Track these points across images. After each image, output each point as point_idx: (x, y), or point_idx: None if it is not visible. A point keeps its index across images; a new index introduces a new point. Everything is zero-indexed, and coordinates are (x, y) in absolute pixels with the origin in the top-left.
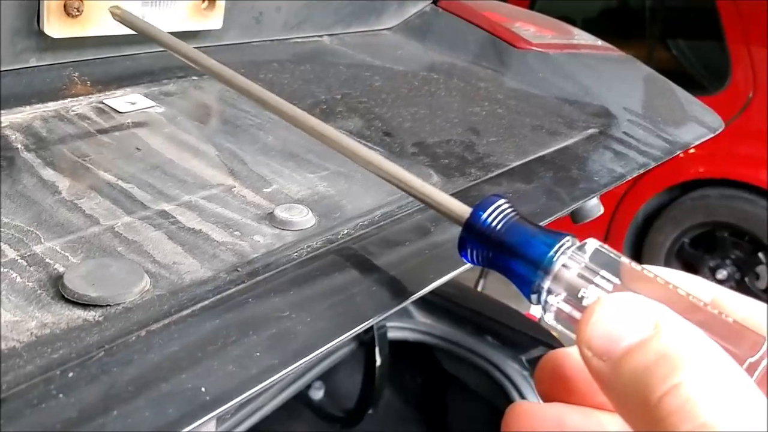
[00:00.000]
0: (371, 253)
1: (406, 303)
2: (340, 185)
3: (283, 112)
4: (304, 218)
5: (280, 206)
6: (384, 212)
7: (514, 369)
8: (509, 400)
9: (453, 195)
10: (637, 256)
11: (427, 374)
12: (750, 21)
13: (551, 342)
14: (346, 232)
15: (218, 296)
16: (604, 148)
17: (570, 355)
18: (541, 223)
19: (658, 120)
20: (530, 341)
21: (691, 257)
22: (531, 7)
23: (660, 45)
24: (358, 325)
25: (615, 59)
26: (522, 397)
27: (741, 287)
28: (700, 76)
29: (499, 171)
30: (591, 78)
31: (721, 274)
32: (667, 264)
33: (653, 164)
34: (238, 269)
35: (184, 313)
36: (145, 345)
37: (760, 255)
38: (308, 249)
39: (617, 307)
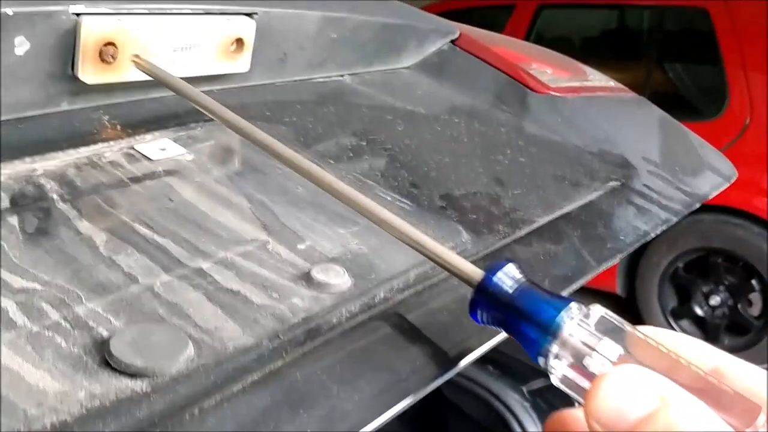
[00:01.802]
0: (410, 319)
1: (450, 376)
2: (372, 242)
3: (298, 167)
4: (340, 280)
5: (316, 267)
6: (418, 273)
7: (514, 399)
8: (510, 430)
9: (485, 256)
10: (632, 279)
11: (427, 401)
12: (748, 47)
13: None
14: (383, 296)
15: (266, 370)
16: (628, 204)
17: (577, 417)
18: (573, 285)
19: (676, 170)
20: (531, 372)
21: (685, 281)
22: (531, 29)
23: (657, 68)
24: (404, 402)
25: (629, 102)
26: (522, 427)
27: (734, 313)
28: (697, 101)
29: (528, 229)
30: (608, 124)
31: (714, 299)
32: (660, 287)
33: (674, 219)
34: (280, 336)
35: (235, 389)
36: (200, 426)
37: (754, 282)
38: (347, 314)
39: (623, 381)
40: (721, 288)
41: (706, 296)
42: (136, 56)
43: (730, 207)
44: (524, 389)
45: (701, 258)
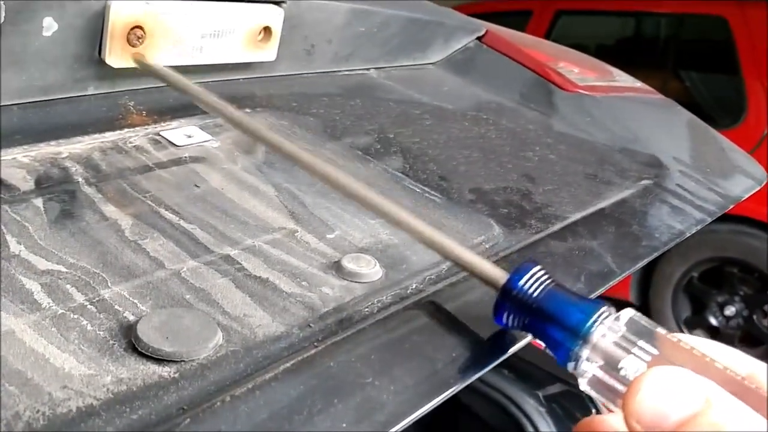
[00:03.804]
0: (444, 311)
1: (486, 371)
2: (402, 233)
3: (310, 166)
4: (371, 270)
5: (346, 256)
6: (451, 265)
7: (530, 405)
8: None
9: (520, 250)
10: (645, 289)
11: (440, 403)
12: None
13: (569, 379)
14: (415, 287)
15: (299, 358)
16: (661, 202)
17: (606, 422)
18: (610, 282)
19: (707, 171)
20: (548, 377)
21: (700, 292)
22: (548, 35)
23: (674, 76)
24: (441, 395)
25: (656, 103)
26: None
27: (749, 324)
28: (714, 110)
29: (561, 225)
30: (636, 123)
31: (729, 310)
32: (674, 298)
33: (709, 220)
34: (311, 325)
35: (267, 376)
36: (232, 413)
37: None
38: (379, 304)
39: (666, 381)
40: (736, 298)
41: (721, 306)
42: (137, 53)
43: (746, 217)
44: (540, 394)
45: (716, 268)
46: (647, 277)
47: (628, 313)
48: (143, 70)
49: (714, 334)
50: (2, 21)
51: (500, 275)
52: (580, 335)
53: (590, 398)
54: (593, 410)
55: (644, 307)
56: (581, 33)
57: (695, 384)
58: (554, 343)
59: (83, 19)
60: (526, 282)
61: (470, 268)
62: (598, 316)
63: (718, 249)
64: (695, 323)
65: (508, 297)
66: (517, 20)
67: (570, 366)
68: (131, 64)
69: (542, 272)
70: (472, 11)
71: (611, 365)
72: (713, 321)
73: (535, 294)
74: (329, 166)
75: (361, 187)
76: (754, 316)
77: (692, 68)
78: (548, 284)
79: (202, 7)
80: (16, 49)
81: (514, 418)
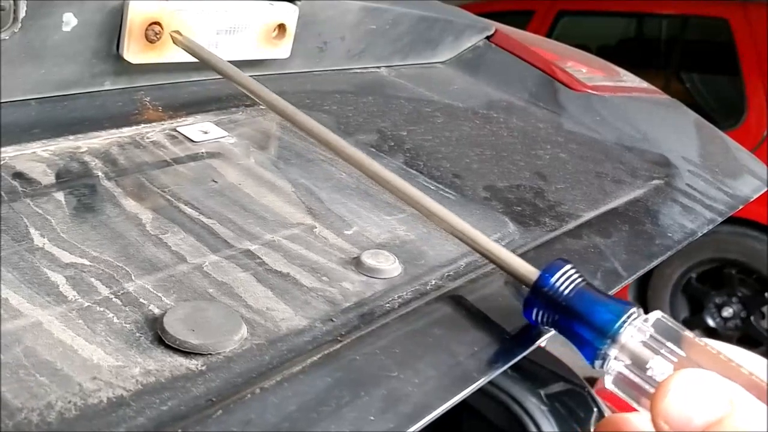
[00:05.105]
0: (464, 306)
1: (508, 365)
2: (419, 229)
3: (346, 154)
4: (391, 266)
5: (366, 252)
6: (469, 261)
7: (533, 403)
8: None
9: (536, 248)
10: (644, 288)
11: None
12: None
13: (571, 378)
14: (434, 282)
15: (325, 352)
16: (672, 202)
17: (628, 421)
18: (625, 280)
19: (716, 171)
20: (550, 376)
21: (698, 293)
22: (549, 35)
23: (675, 78)
24: (466, 388)
25: (663, 103)
26: (539, 431)
27: (746, 325)
28: (714, 112)
29: (576, 223)
30: (645, 123)
31: (727, 311)
32: (672, 298)
33: (719, 219)
34: (333, 319)
35: (295, 369)
36: (261, 404)
37: (767, 295)
38: (399, 299)
39: (693, 383)
40: (734, 300)
41: (719, 308)
42: (176, 32)
43: (745, 219)
44: (542, 393)
45: (715, 269)
46: (645, 277)
47: (656, 314)
48: (183, 49)
49: (712, 335)
50: (23, 16)
51: (532, 272)
52: (609, 335)
53: (592, 396)
54: (595, 409)
55: (642, 308)
56: (582, 34)
57: (721, 387)
58: (582, 341)
59: (102, 15)
60: (558, 280)
61: (501, 263)
62: (628, 317)
63: (719, 250)
64: (693, 324)
65: (538, 294)
66: (518, 20)
67: (597, 364)
68: (148, 60)
69: (573, 271)
70: (473, 11)
71: (639, 365)
72: (711, 322)
73: (566, 292)
74: (373, 161)
75: (395, 177)
76: (752, 318)
77: (693, 69)
78: (579, 283)
79: (218, 4)
80: (36, 43)
81: (517, 416)
